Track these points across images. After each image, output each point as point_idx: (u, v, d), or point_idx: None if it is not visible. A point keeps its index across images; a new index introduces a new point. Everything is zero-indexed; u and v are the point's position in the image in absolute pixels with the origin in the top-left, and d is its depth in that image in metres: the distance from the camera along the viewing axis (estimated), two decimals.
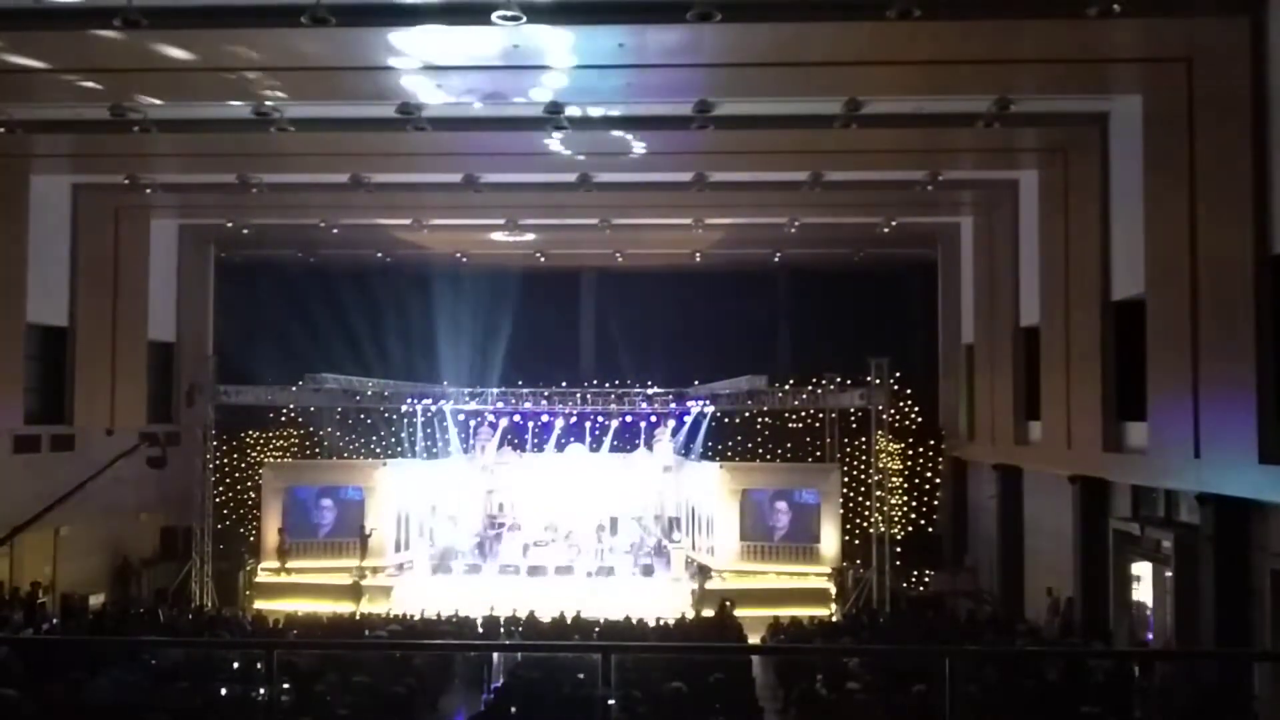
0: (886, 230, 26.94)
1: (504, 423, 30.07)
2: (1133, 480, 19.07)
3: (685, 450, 29.52)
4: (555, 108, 17.90)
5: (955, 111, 18.45)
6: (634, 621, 21.09)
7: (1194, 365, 15.24)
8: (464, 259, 31.34)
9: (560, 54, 15.70)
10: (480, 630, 20.89)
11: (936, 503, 30.20)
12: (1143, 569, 19.36)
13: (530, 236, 28.93)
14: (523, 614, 21.29)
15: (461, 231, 28.97)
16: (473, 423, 30.23)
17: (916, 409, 30.56)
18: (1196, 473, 15.48)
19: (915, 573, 27.33)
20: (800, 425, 30.69)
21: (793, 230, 27.05)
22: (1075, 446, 20.19)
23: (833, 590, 25.49)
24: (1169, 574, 17.66)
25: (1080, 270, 19.76)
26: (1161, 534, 18.04)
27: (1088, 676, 14.74)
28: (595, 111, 18.64)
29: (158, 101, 17.98)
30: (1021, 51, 15.73)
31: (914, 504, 30.14)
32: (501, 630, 20.74)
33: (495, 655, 17.54)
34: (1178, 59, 15.56)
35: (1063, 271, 20.53)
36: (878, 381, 25.71)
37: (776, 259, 30.84)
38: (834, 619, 23.93)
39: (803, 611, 23.24)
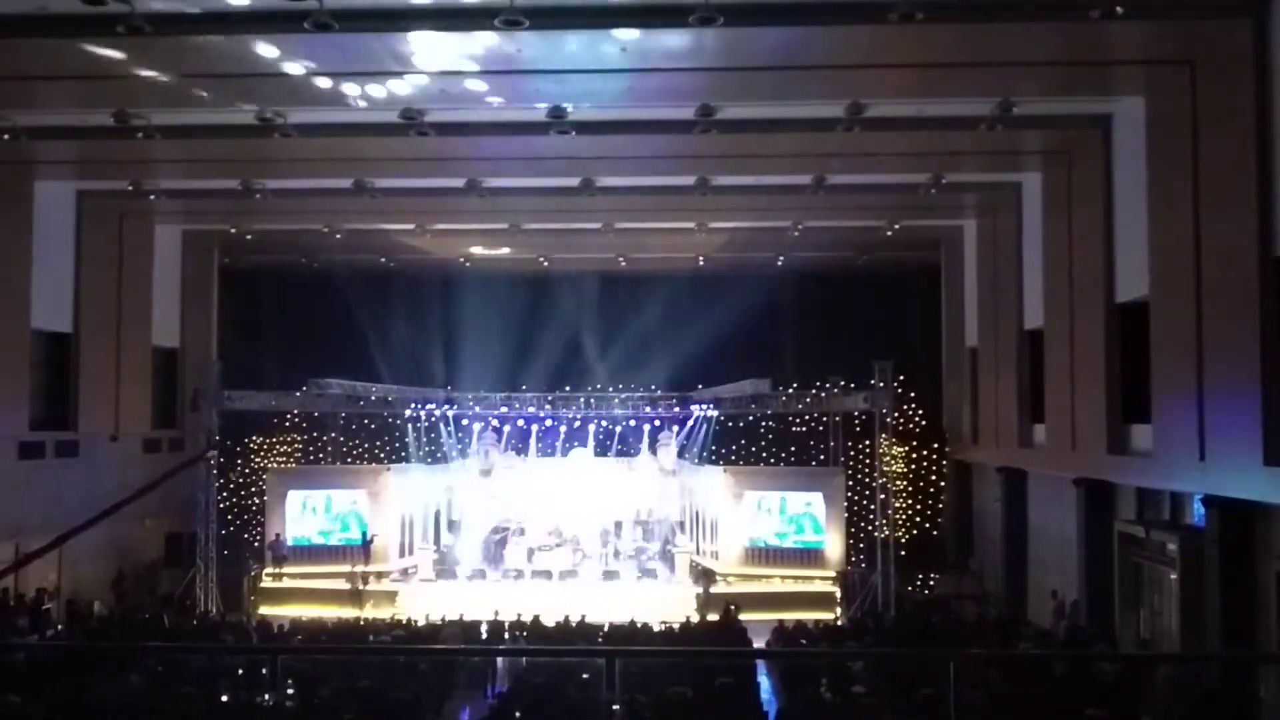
0: (890, 233, 26.94)
1: (507, 427, 30.07)
2: (1137, 483, 19.05)
3: (689, 454, 29.50)
4: (558, 112, 17.93)
5: (958, 114, 18.44)
6: (639, 626, 21.08)
7: (1199, 367, 15.22)
8: (467, 263, 31.35)
9: (563, 58, 15.73)
10: (485, 635, 20.87)
11: (940, 506, 30.20)
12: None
13: (533, 241, 28.91)
14: (527, 618, 21.28)
15: (465, 236, 28.99)
16: (476, 427, 30.23)
17: (920, 412, 30.56)
18: (1201, 475, 15.45)
19: (919, 576, 27.30)
20: (804, 429, 30.69)
21: (796, 234, 27.07)
22: (1079, 449, 20.17)
23: (837, 594, 25.47)
24: (1174, 576, 17.64)
25: (1084, 272, 19.74)
26: (1167, 537, 18.02)
27: (1093, 679, 14.71)
28: (598, 116, 18.65)
29: (161, 108, 18.06)
30: (1024, 54, 15.73)
31: (918, 507, 30.14)
32: (506, 635, 20.72)
33: (499, 660, 17.53)
34: (1180, 61, 15.56)
35: (1066, 274, 20.51)
36: (881, 385, 25.68)
37: (780, 262, 30.83)
38: (838, 622, 23.91)
39: (807, 615, 23.23)
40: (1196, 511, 16.94)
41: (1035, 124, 19.38)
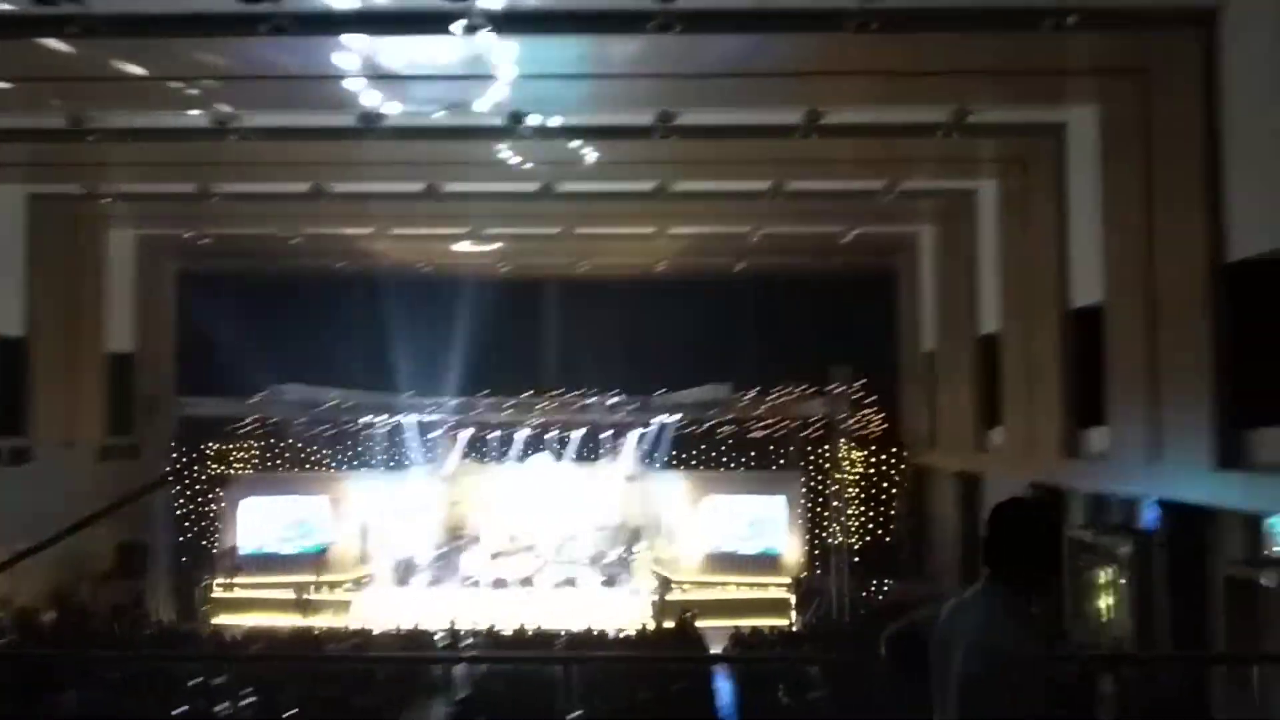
0: (848, 239, 27.09)
1: (466, 434, 29.96)
2: (1091, 486, 19.24)
3: (648, 460, 29.52)
4: (517, 117, 17.89)
5: (914, 122, 18.59)
6: (596, 633, 21.06)
7: (1151, 372, 15.41)
8: (426, 269, 31.18)
9: (522, 63, 15.70)
10: (442, 643, 20.77)
11: (898, 511, 30.37)
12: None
13: (493, 246, 28.84)
14: (484, 626, 21.20)
15: (423, 241, 28.86)
16: (435, 434, 30.10)
17: (880, 417, 30.72)
18: (1154, 479, 15.64)
19: (876, 581, 27.43)
20: (763, 434, 30.79)
21: (755, 240, 27.14)
22: (1035, 453, 20.36)
23: (793, 600, 25.55)
24: (1123, 580, 17.83)
25: (1039, 278, 19.93)
26: (1118, 541, 18.21)
27: (1050, 681, 14.81)
28: (557, 121, 18.64)
29: (115, 110, 17.86)
30: (978, 63, 15.90)
31: (876, 512, 30.29)
32: (463, 643, 20.64)
33: (457, 668, 17.44)
34: (1134, 70, 15.76)
35: (1022, 279, 20.72)
36: (840, 390, 25.84)
37: (740, 268, 30.90)
38: (795, 628, 23.99)
39: (764, 621, 23.30)
40: (1148, 515, 17.14)
41: (990, 132, 19.54)
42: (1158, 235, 15.29)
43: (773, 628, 23.07)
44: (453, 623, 21.54)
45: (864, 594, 26.54)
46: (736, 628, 22.00)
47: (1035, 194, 20.19)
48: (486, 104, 17.62)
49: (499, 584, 26.28)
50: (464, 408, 29.38)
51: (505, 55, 15.27)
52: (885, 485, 30.40)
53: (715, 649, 20.25)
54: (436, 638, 21.01)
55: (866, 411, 30.35)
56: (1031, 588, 4.19)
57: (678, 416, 29.15)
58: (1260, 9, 12.97)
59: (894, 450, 30.26)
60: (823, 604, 25.28)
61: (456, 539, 28.79)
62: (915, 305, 28.82)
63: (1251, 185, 13.53)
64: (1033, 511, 4.26)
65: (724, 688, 16.69)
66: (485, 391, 30.09)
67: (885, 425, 30.68)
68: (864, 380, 29.00)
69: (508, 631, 21.07)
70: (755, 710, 15.33)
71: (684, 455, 30.37)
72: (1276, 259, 12.79)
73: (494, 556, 27.43)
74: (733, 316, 32.42)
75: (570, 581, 26.45)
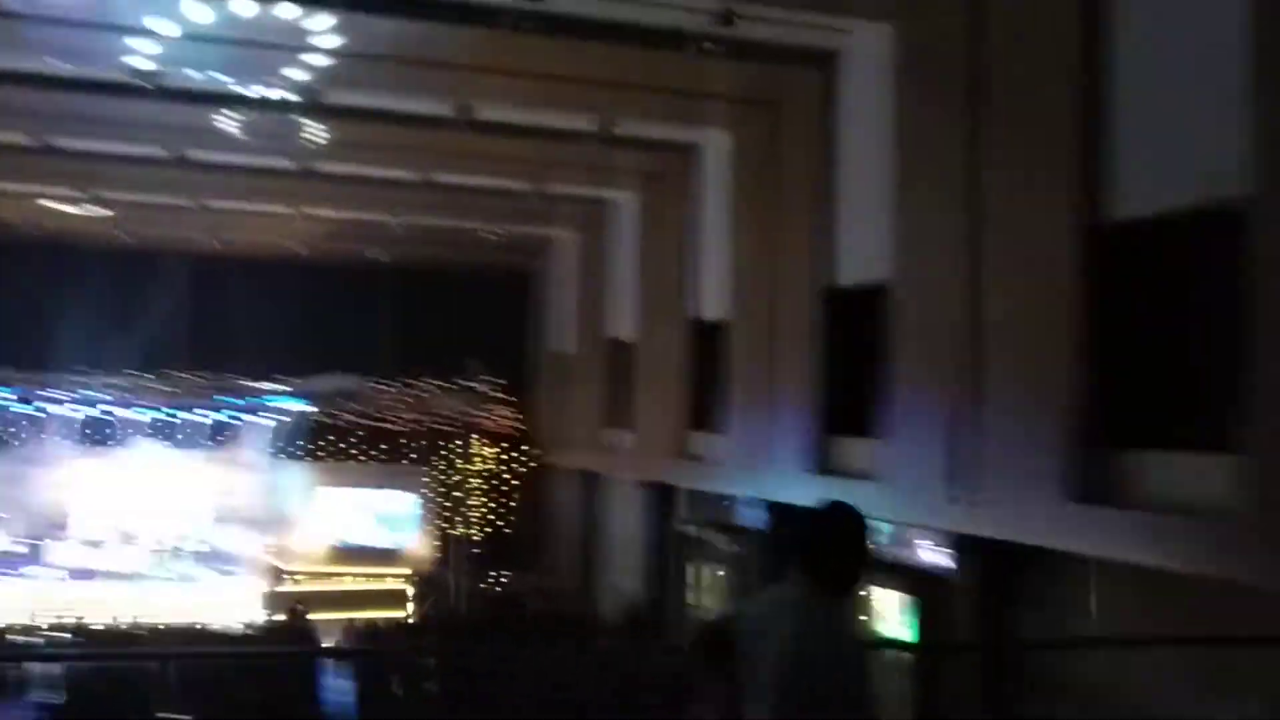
0: (493, 237, 27.28)
1: (71, 412, 27.52)
2: (704, 487, 20.41)
3: (270, 449, 28.33)
4: (149, 75, 16.65)
5: (562, 128, 19.04)
6: (201, 628, 20.06)
7: (765, 383, 16.65)
8: (34, 231, 28.30)
9: (158, 18, 14.65)
10: (25, 639, 19.01)
11: (523, 506, 30.88)
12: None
13: (112, 212, 26.68)
14: (75, 621, 19.63)
15: (29, 200, 26.20)
16: (31, 412, 27.43)
17: (514, 414, 31.10)
18: (760, 481, 16.84)
19: (494, 573, 27.82)
20: (394, 427, 30.35)
21: (399, 230, 26.75)
22: (651, 454, 21.39)
23: (410, 592, 25.49)
24: (721, 573, 19.12)
25: (668, 290, 21.00)
26: (719, 537, 19.47)
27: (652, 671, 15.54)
28: (192, 85, 17.52)
29: None
30: (623, 77, 16.53)
31: (502, 507, 30.63)
32: (50, 639, 19.00)
33: (45, 667, 16.03)
34: (765, 101, 16.95)
35: (653, 290, 21.75)
36: (474, 386, 26.01)
37: (382, 258, 30.32)
38: (411, 620, 23.91)
39: (381, 614, 23.09)
40: (748, 514, 18.37)
41: (633, 145, 20.31)
42: (775, 258, 16.56)
43: (389, 620, 22.89)
44: (33, 617, 19.79)
45: (481, 586, 26.87)
46: (350, 620, 21.65)
47: (670, 209, 21.23)
48: (117, 58, 16.31)
49: (91, 575, 24.38)
50: (67, 386, 26.97)
51: (143, 7, 14.22)
52: (512, 481, 30.81)
53: (329, 642, 19.80)
54: (13, 633, 19.20)
55: (500, 409, 30.67)
56: (844, 587, 4.34)
57: (306, 406, 28.18)
58: (872, 55, 14.35)
59: (524, 447, 30.75)
60: (440, 596, 25.37)
61: (48, 527, 26.36)
62: (551, 306, 29.49)
63: (858, 218, 14.95)
64: (848, 514, 4.37)
65: (335, 683, 16.35)
66: (93, 369, 27.73)
67: (517, 423, 31.11)
68: (500, 378, 29.34)
69: (101, 626, 19.59)
70: (363, 705, 15.12)
71: (311, 445, 29.37)
72: (871, 288, 14.19)
73: (89, 546, 25.39)
74: (372, 306, 31.75)
75: (177, 574, 25.00)
